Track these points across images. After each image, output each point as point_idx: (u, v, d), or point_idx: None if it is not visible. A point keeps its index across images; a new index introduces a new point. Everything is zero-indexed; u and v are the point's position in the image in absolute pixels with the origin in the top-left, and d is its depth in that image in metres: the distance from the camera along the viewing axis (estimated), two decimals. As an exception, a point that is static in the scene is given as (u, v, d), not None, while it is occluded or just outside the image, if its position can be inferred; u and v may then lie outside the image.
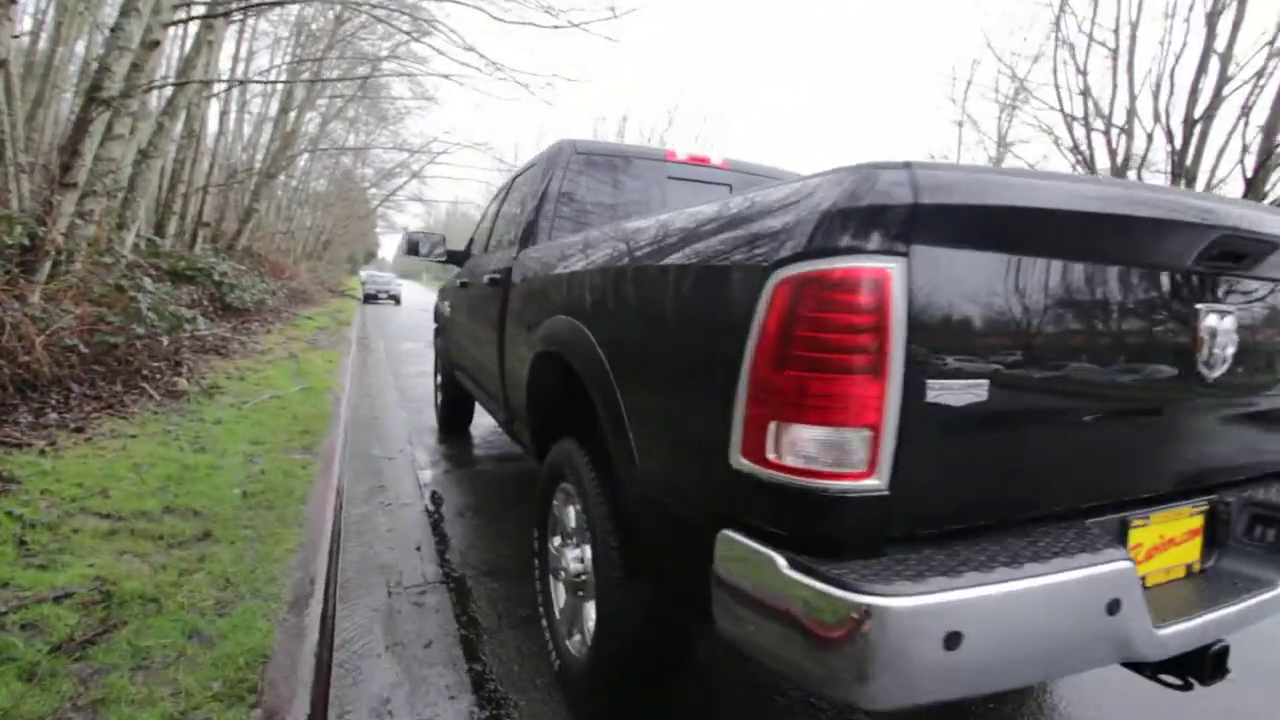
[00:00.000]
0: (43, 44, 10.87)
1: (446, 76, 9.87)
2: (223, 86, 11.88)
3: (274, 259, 17.26)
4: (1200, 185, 8.70)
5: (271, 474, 3.28)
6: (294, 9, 13.82)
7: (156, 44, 5.62)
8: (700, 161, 2.98)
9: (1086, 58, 8.99)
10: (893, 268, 0.93)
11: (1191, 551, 1.35)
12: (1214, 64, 8.02)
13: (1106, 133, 9.02)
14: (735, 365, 1.04)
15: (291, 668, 1.81)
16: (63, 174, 4.90)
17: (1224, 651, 1.22)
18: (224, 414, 4.36)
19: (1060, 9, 9.06)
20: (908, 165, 0.96)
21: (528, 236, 2.66)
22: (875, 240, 0.93)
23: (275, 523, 2.71)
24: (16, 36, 6.69)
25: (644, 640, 1.56)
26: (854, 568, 0.94)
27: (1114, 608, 1.01)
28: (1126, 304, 1.17)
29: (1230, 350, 1.28)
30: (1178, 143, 8.26)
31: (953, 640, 0.89)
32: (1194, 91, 8.13)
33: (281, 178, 20.04)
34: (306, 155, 20.06)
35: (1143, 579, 1.14)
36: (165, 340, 5.29)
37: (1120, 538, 1.21)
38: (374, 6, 8.97)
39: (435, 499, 3.44)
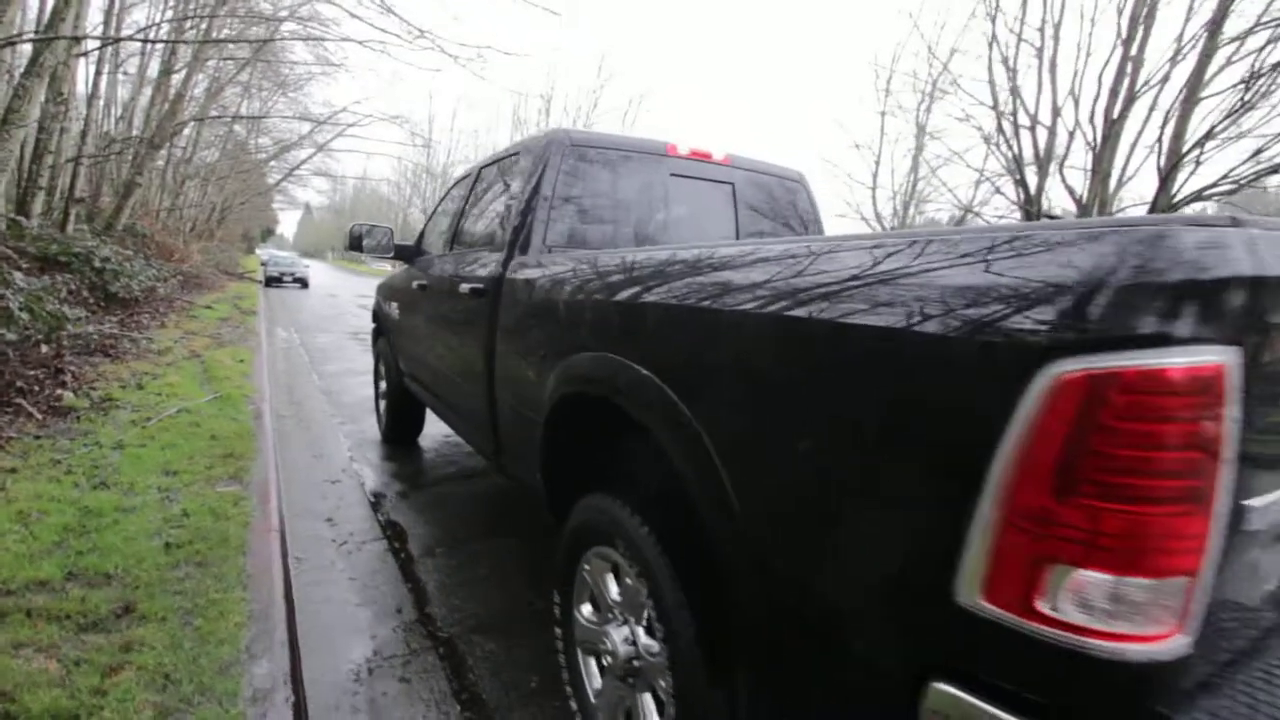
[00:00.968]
0: None
1: (362, 43, 9.04)
2: (96, 44, 10.47)
3: (161, 239, 15.62)
4: (1113, 181, 9.18)
5: (197, 516, 2.76)
6: (179, -41, 12.36)
7: (18, -10, 4.71)
8: (702, 157, 2.69)
9: (1016, 55, 9.27)
10: (1229, 363, 0.68)
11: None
12: (1129, 67, 8.42)
13: (1032, 129, 9.36)
14: (973, 476, 0.77)
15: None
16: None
17: None
18: (125, 435, 3.72)
19: (995, 10, 9.26)
20: (1237, 222, 0.70)
21: (520, 242, 2.29)
22: (1211, 325, 0.67)
23: (212, 585, 2.24)
24: None
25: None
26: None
27: None
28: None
29: None
30: (1097, 141, 8.65)
31: None
32: (1114, 93, 8.52)
33: (166, 148, 18.12)
34: (194, 123, 18.21)
35: None
36: (44, 346, 4.50)
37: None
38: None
39: (397, 534, 3.02)
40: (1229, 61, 8.19)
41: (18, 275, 4.96)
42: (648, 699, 1.49)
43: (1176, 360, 0.67)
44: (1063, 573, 0.72)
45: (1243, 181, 8.08)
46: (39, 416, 3.76)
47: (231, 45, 14.59)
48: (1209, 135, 7.42)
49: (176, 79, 15.32)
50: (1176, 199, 8.14)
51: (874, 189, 13.47)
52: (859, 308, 0.95)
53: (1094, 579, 0.71)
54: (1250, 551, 0.77)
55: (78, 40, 8.40)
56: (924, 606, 0.84)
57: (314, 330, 10.83)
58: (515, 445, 2.20)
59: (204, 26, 13.86)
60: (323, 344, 9.19)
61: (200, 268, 17.08)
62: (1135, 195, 10.35)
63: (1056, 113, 8.97)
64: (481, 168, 3.01)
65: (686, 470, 1.25)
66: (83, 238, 8.97)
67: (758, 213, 2.81)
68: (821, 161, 21.27)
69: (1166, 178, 7.74)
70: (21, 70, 6.93)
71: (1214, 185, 7.64)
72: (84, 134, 11.59)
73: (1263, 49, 7.28)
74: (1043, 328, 0.74)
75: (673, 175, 2.58)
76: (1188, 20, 8.68)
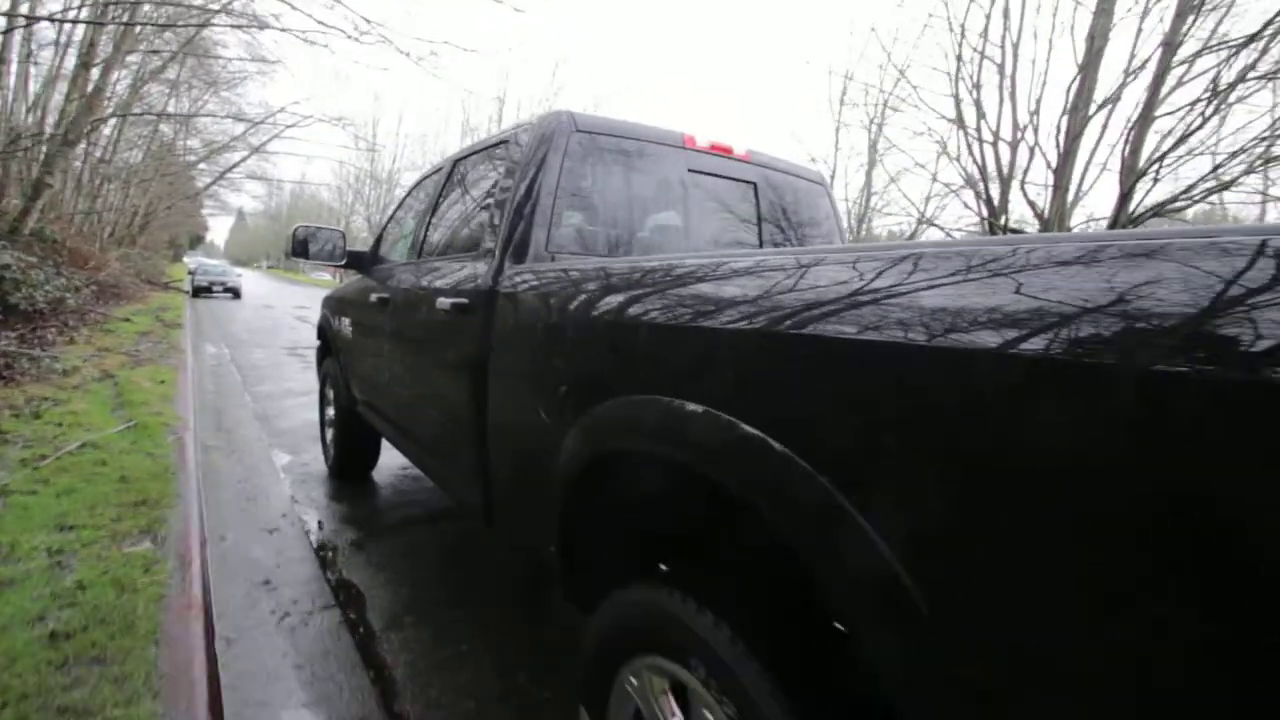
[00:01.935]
0: None
1: (303, 35, 8.39)
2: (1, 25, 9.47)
3: (75, 245, 14.33)
4: (1071, 193, 9.30)
5: (96, 589, 2.19)
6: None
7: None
8: (723, 151, 2.30)
9: (979, 71, 9.30)
10: None
11: None
12: (1086, 86, 8.54)
13: (995, 144, 9.39)
14: None
15: None
16: None
17: None
18: (11, 478, 3.07)
19: (962, 34, 9.28)
20: None
21: (515, 246, 1.85)
22: None
23: (112, 696, 1.70)
24: None
25: None
26: None
27: None
28: None
29: None
30: (1059, 156, 8.73)
31: None
32: (1075, 110, 8.61)
33: (83, 146, 16.74)
34: (115, 121, 16.92)
35: None
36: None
37: None
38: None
39: (353, 599, 2.50)
40: (1180, 82, 8.39)
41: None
42: None
43: None
44: None
45: (1197, 197, 8.26)
46: (-102, 457, 3.08)
47: (155, 31, 13.55)
48: (1169, 151, 7.53)
49: (94, 73, 14.15)
50: (1135, 213, 8.25)
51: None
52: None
53: None
54: None
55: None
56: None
57: (247, 345, 9.98)
58: (516, 503, 1.75)
59: (126, 17, 12.83)
60: (257, 360, 8.41)
61: (119, 276, 15.78)
62: (1088, 211, 10.53)
63: (1018, 128, 9.04)
64: (457, 160, 2.55)
65: (836, 571, 0.83)
66: (-23, 242, 7.98)
67: (781, 217, 2.44)
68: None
69: (1128, 193, 7.83)
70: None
71: (1174, 199, 7.75)
72: (-16, 128, 10.47)
73: (1217, 68, 7.44)
74: None
75: (690, 171, 2.18)
76: (1137, 40, 8.88)
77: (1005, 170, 9.28)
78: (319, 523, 3.21)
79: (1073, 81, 8.51)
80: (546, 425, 1.49)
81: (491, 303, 1.80)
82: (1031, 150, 8.93)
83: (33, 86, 15.11)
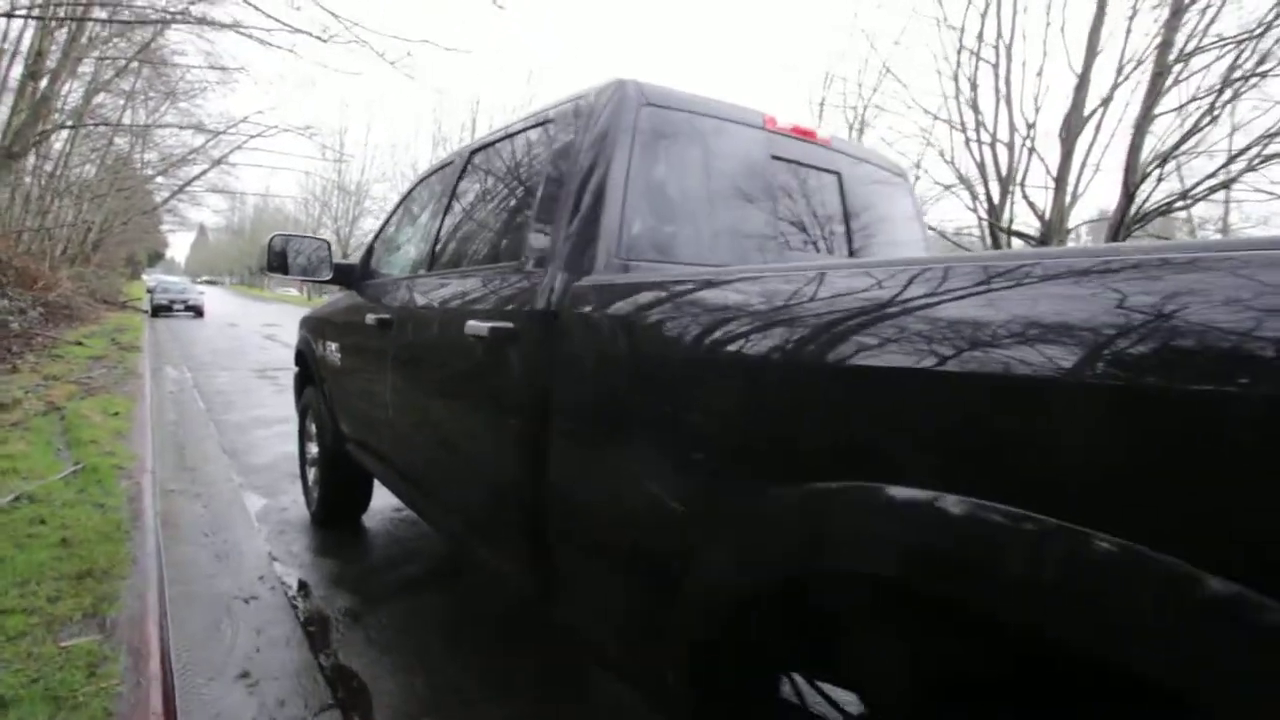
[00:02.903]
0: None
1: (268, 32, 7.86)
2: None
3: (22, 264, 13.46)
4: (1067, 195, 9.14)
5: (24, 707, 1.68)
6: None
7: None
8: (807, 136, 1.90)
9: (975, 71, 9.11)
10: None
11: None
12: (1090, 83, 8.40)
13: (992, 146, 9.21)
14: None
15: None
16: None
17: None
18: (-78, 547, 2.52)
19: (961, 35, 9.09)
20: None
21: (576, 252, 1.41)
22: None
23: None
24: None
25: None
26: None
27: None
28: None
29: None
30: (1054, 158, 8.56)
31: None
32: (1075, 108, 8.45)
33: (32, 159, 15.82)
34: (66, 132, 16.05)
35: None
36: None
37: None
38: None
39: (357, 699, 2.01)
40: (1176, 80, 8.28)
41: None
42: None
43: None
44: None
45: (1199, 196, 8.13)
46: None
47: (108, 37, 12.83)
48: (1177, 148, 7.37)
49: (44, 82, 13.31)
50: (1139, 213, 8.09)
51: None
52: None
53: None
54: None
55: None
56: None
57: (211, 368, 9.32)
58: (595, 597, 1.30)
59: (73, 25, 12.10)
60: (223, 385, 7.79)
61: (71, 296, 14.89)
62: (1088, 211, 10.42)
63: (1014, 129, 8.85)
64: (476, 150, 2.09)
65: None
66: (-94, 262, 7.26)
67: (867, 215, 2.04)
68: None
69: (1133, 192, 7.65)
70: None
71: (1184, 194, 7.59)
72: (-83, 139, 9.70)
73: (1227, 66, 7.32)
74: None
75: (774, 158, 1.77)
76: (1127, 39, 8.78)
77: (1004, 170, 9.09)
78: (304, 587, 2.71)
79: (1083, 77, 8.34)
80: (670, 512, 1.04)
81: (551, 327, 1.35)
82: (1030, 150, 8.76)
83: (-26, 98, 14.23)
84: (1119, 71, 8.69)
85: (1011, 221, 9.14)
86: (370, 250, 2.84)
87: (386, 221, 2.81)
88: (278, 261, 2.58)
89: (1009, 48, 9.08)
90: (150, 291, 22.86)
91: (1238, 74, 7.56)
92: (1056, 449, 0.60)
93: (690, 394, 1.02)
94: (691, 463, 1.00)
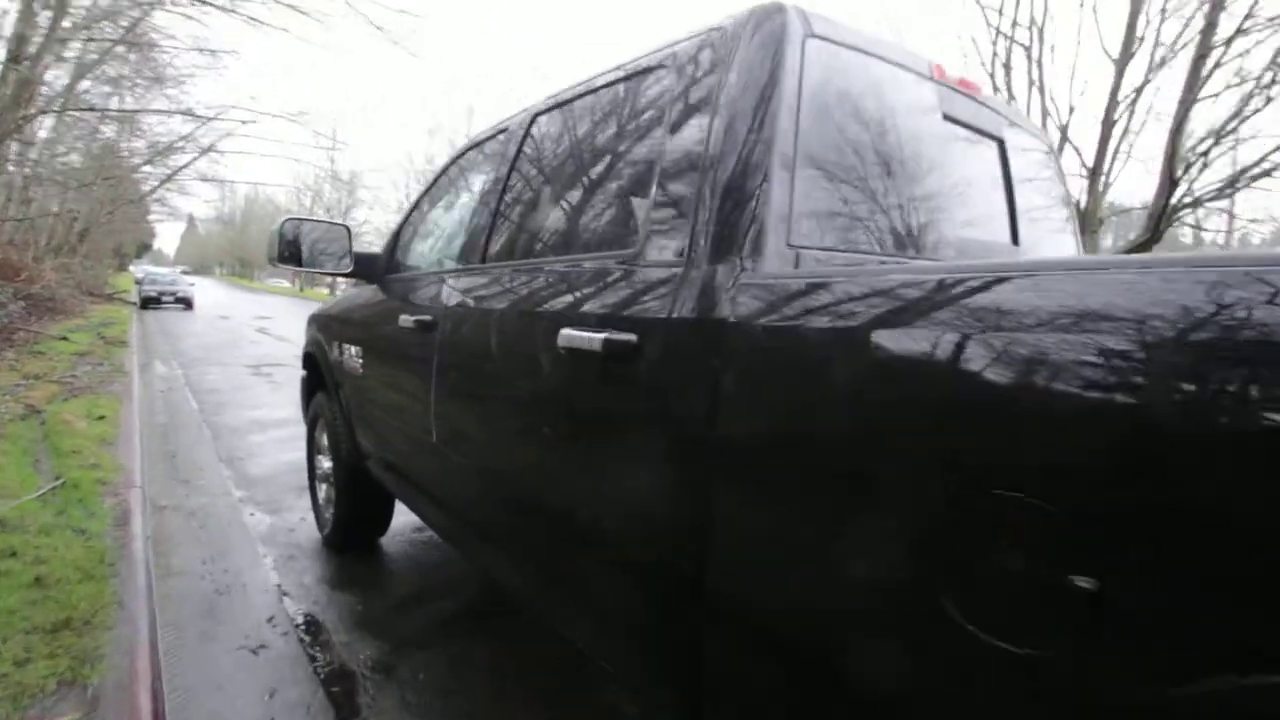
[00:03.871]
0: None
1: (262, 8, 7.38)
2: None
3: (4, 255, 12.94)
4: (1101, 183, 8.78)
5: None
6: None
7: None
8: (972, 90, 1.51)
9: (1009, 54, 8.73)
10: None
11: None
12: (1129, 67, 8.03)
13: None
14: None
15: None
16: None
17: None
18: None
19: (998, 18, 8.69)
20: None
21: (726, 237, 1.02)
22: None
23: None
24: None
25: None
26: None
27: None
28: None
29: None
30: (1088, 147, 8.20)
31: None
32: (1113, 93, 8.09)
33: (14, 146, 15.21)
34: (51, 118, 15.44)
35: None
36: None
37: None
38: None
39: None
40: (1218, 64, 7.93)
41: None
42: None
43: None
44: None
45: (1239, 185, 7.79)
46: None
47: (93, 18, 12.27)
48: (1224, 128, 7.03)
49: (26, 65, 12.71)
50: (1177, 202, 7.75)
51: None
52: None
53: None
54: None
55: None
56: None
57: (203, 364, 8.87)
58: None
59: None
60: (215, 382, 7.36)
61: (56, 289, 14.34)
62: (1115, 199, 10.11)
63: (1046, 115, 8.49)
64: (542, 112, 1.67)
65: None
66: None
67: (1028, 195, 1.66)
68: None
69: (1177, 179, 7.30)
70: None
71: (1234, 179, 7.24)
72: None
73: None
74: None
75: (945, 118, 1.38)
76: (1162, 21, 8.44)
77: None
78: (322, 631, 2.32)
79: (1123, 64, 7.96)
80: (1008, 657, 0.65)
81: (709, 342, 0.96)
82: (1064, 137, 8.40)
83: (-49, 80, 13.64)
84: (1153, 57, 8.34)
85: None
86: (396, 239, 2.44)
87: (416, 205, 2.40)
88: (289, 251, 2.18)
89: (1041, 30, 8.70)
90: (138, 283, 22.27)
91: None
92: None
93: (988, 446, 0.64)
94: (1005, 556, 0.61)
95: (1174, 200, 7.51)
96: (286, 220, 2.18)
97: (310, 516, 3.29)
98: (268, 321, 17.58)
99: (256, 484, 3.88)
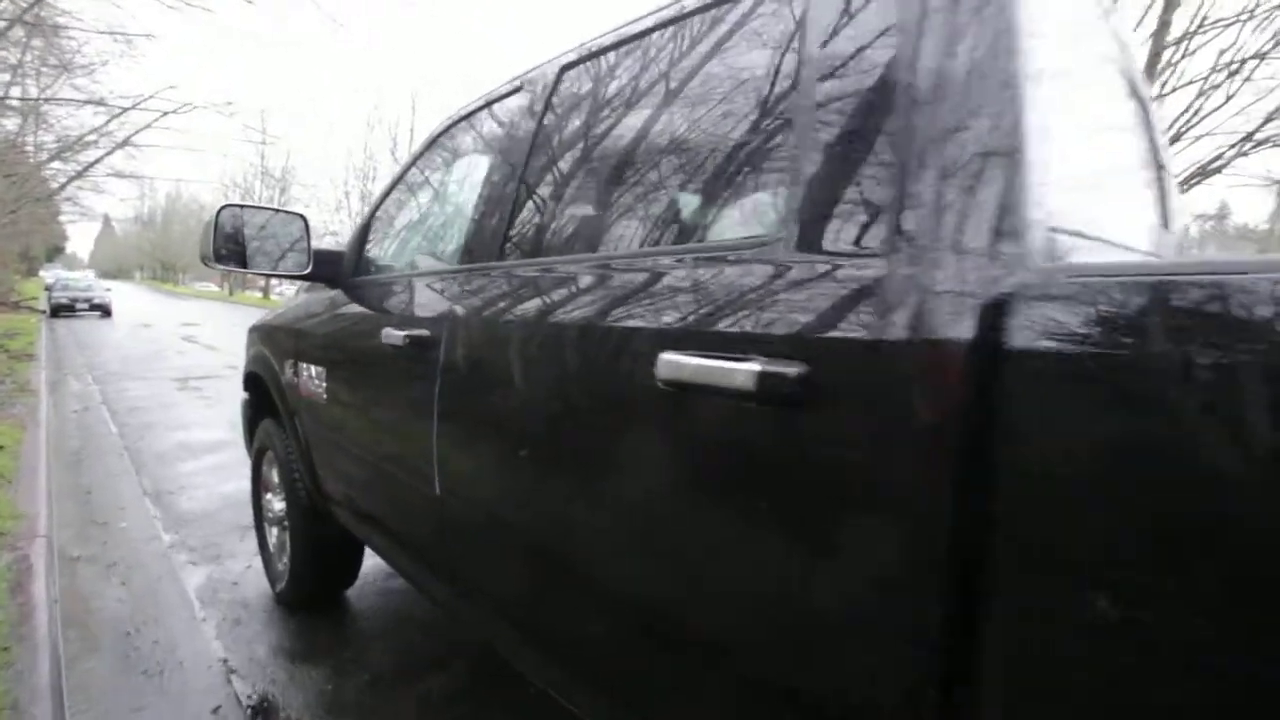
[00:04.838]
0: None
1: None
2: None
3: (-116, 259, 11.58)
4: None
5: None
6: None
7: None
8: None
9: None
10: None
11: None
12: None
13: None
14: None
15: None
16: None
17: None
18: None
19: None
20: None
21: (972, 212, 0.65)
22: None
23: None
24: None
25: None
26: None
27: None
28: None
29: None
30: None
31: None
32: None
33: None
34: (-65, 109, 13.93)
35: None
36: None
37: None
38: None
39: None
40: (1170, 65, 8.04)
41: None
42: None
43: None
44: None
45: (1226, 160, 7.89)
46: None
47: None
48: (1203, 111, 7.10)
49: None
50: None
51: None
52: None
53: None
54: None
55: None
56: None
57: (123, 378, 8.03)
58: None
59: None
60: (137, 399, 6.61)
61: (-51, 297, 12.95)
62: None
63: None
64: (572, 65, 1.26)
65: None
66: None
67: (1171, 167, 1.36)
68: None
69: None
70: None
71: (1217, 159, 7.33)
72: None
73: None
74: None
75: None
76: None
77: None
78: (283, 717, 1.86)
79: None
80: None
81: (969, 376, 0.59)
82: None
83: None
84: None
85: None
86: (365, 233, 1.99)
87: (390, 191, 1.95)
88: (229, 247, 1.71)
89: None
90: (49, 289, 20.51)
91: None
92: None
93: None
94: None
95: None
96: (225, 208, 1.70)
97: (258, 563, 2.78)
98: (195, 329, 16.40)
99: (190, 524, 3.33)
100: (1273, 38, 6.88)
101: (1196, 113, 7.41)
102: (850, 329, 0.69)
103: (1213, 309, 0.48)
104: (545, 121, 1.33)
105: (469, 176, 1.61)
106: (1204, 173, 7.86)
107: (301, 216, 1.84)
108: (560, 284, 1.10)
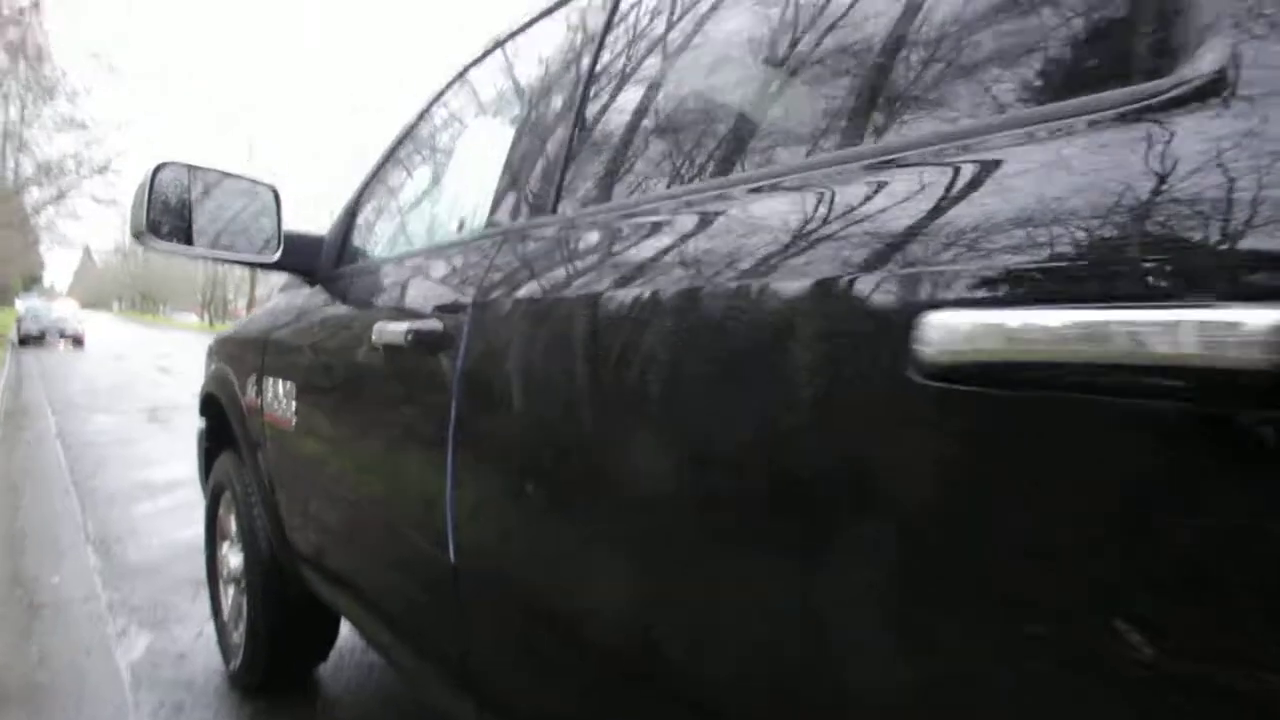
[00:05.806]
0: None
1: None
2: None
3: None
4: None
5: None
6: None
7: None
8: None
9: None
10: None
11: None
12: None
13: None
14: None
15: None
16: None
17: None
18: None
19: None
20: None
21: None
22: None
23: None
24: None
25: None
26: None
27: None
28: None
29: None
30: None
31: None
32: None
33: None
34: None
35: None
36: None
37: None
38: None
39: None
40: None
41: None
42: None
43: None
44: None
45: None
46: None
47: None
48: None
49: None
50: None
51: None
52: None
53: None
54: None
55: None
56: None
57: (85, 410, 7.46)
58: None
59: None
60: (98, 433, 6.06)
61: (-91, 325, 12.32)
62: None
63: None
64: None
65: None
66: None
67: None
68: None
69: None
70: None
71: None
72: None
73: None
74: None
75: None
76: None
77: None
78: None
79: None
80: None
81: None
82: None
83: None
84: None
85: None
86: (353, 216, 1.56)
87: (384, 162, 1.53)
88: (170, 222, 1.28)
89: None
90: (20, 320, 19.77)
91: None
92: None
93: None
94: None
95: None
96: (164, 166, 1.26)
97: (210, 629, 2.28)
98: (170, 360, 15.77)
99: (136, 577, 2.81)
100: None
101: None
102: None
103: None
104: (597, 58, 0.92)
105: (493, 127, 1.20)
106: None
107: (272, 189, 1.42)
108: (701, 226, 0.66)
